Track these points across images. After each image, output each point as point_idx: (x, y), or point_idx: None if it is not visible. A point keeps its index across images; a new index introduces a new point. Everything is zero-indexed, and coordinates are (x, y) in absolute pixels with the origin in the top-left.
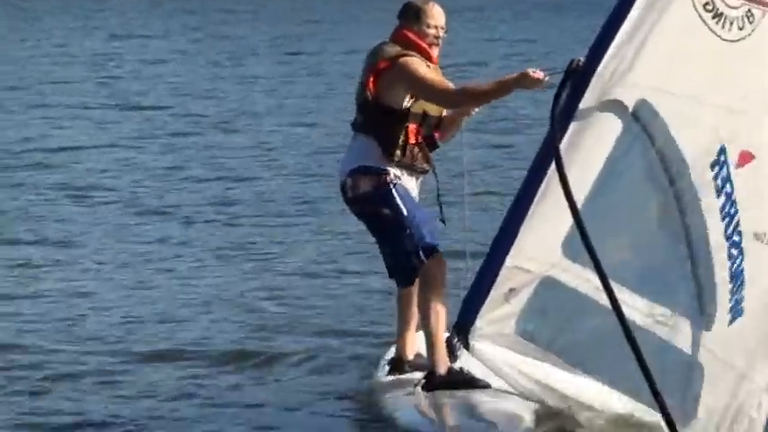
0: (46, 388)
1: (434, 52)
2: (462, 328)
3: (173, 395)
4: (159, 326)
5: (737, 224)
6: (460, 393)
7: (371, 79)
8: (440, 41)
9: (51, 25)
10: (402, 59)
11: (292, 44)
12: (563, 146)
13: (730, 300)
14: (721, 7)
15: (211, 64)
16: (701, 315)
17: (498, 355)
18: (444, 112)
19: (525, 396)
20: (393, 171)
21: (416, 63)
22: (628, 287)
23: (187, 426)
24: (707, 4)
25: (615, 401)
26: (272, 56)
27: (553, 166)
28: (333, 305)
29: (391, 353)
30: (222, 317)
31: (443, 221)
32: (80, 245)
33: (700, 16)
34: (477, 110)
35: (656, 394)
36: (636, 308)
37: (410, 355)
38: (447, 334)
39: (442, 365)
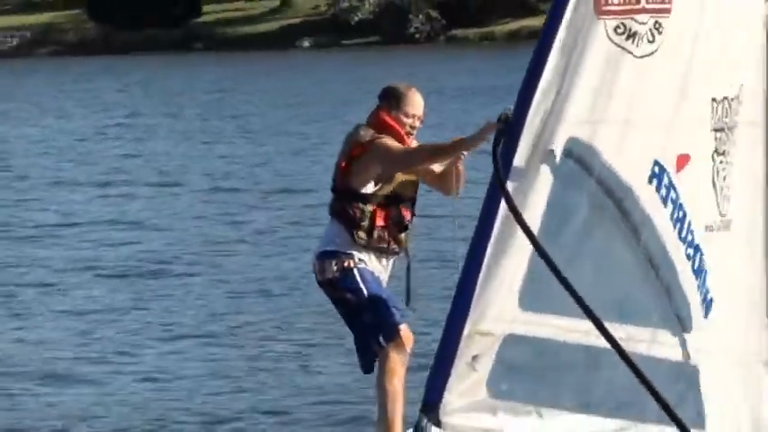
0: None
1: (409, 141)
2: (431, 408)
3: None
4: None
5: (689, 225)
6: None
7: (344, 164)
8: (415, 131)
9: None
10: (376, 142)
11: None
12: (503, 207)
13: (699, 294)
14: (633, 26)
15: None
16: (678, 321)
17: (477, 426)
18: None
19: None
20: (357, 255)
21: (388, 140)
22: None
23: None
24: (617, 27)
25: None
26: None
27: (498, 223)
28: None
29: None
30: None
31: (408, 304)
32: None
33: (613, 42)
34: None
35: (660, 401)
36: (634, 335)
37: None
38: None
39: None
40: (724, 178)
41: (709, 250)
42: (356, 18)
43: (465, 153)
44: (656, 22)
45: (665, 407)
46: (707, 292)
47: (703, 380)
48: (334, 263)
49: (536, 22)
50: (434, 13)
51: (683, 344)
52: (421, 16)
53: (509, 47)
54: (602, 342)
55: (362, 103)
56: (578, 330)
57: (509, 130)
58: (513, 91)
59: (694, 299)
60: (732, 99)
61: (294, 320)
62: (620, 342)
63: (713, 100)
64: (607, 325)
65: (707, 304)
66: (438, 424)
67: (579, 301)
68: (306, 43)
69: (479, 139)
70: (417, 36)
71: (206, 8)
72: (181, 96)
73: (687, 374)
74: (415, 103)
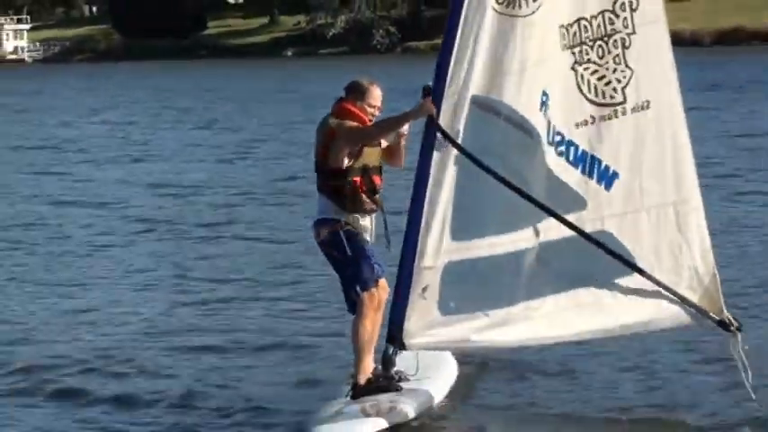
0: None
1: None
2: (394, 337)
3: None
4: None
5: (554, 128)
6: (379, 397)
7: (322, 148)
8: (375, 118)
9: None
10: (343, 126)
11: None
12: (435, 165)
13: (591, 175)
14: None
15: None
16: (576, 205)
17: (433, 339)
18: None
19: (480, 350)
20: (344, 219)
21: (349, 123)
22: (534, 224)
23: None
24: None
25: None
26: None
27: (431, 176)
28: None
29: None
30: None
31: (389, 247)
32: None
33: (497, 11)
34: (404, 136)
35: (612, 254)
36: (546, 228)
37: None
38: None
39: (363, 377)
40: (599, 79)
41: (587, 139)
42: (330, 32)
43: (408, 125)
44: None
45: (617, 256)
46: (603, 170)
47: (622, 235)
48: (325, 227)
49: None
50: (392, 29)
51: (584, 218)
52: (381, 31)
53: None
54: (521, 245)
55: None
56: (500, 244)
57: (433, 98)
58: None
59: (581, 182)
60: (593, 17)
61: None
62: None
63: (564, 26)
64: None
65: (607, 179)
66: (403, 347)
67: (535, 201)
68: (289, 52)
69: (418, 111)
70: (379, 47)
71: (210, 23)
72: (209, 94)
73: (604, 239)
74: (377, 95)
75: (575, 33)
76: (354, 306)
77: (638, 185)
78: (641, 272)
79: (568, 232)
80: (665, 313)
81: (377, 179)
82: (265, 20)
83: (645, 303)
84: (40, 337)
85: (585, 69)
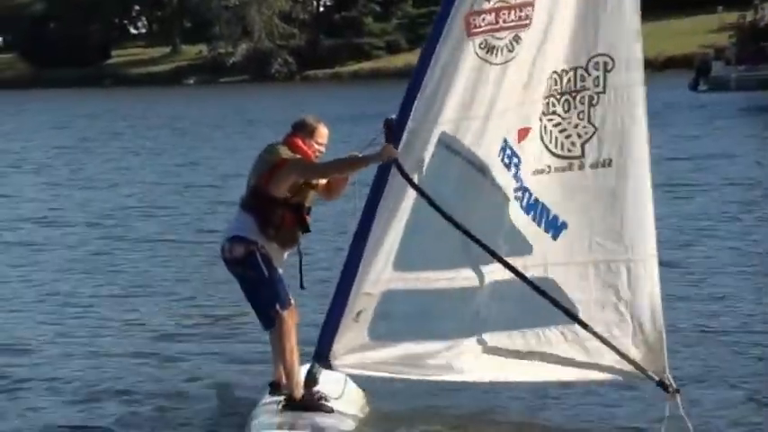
0: None
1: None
2: (321, 356)
3: None
4: None
5: (518, 175)
6: (309, 414)
7: (267, 173)
8: (320, 156)
9: None
10: (296, 158)
11: None
12: (390, 195)
13: (540, 223)
14: (492, 41)
15: None
16: (523, 250)
17: (360, 361)
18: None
19: (396, 377)
20: (261, 242)
21: (302, 159)
22: (478, 265)
23: None
24: (481, 43)
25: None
26: None
27: (380, 208)
28: None
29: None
30: None
31: (302, 287)
32: None
33: (478, 55)
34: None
35: (553, 302)
36: (490, 271)
37: (284, 380)
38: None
39: (297, 392)
40: (561, 131)
41: (543, 188)
42: (230, 61)
43: (365, 167)
44: (516, 35)
45: (559, 305)
46: (551, 219)
47: (565, 284)
48: (243, 246)
49: (372, 64)
50: (290, 59)
51: (529, 265)
52: (280, 59)
53: (352, 83)
54: (462, 283)
55: (237, 123)
56: (440, 279)
57: (394, 131)
58: (358, 118)
59: (530, 228)
60: (564, 71)
61: None
62: (494, 272)
63: (553, 73)
64: (485, 265)
65: (555, 229)
66: (329, 367)
67: (480, 242)
68: (191, 81)
69: (379, 155)
70: (277, 75)
71: (114, 52)
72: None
73: (546, 285)
74: (324, 134)
75: (548, 86)
76: (269, 322)
77: (587, 239)
78: (582, 323)
79: (511, 277)
80: (603, 365)
81: (307, 218)
82: (168, 49)
83: (583, 354)
84: None
85: (549, 121)
